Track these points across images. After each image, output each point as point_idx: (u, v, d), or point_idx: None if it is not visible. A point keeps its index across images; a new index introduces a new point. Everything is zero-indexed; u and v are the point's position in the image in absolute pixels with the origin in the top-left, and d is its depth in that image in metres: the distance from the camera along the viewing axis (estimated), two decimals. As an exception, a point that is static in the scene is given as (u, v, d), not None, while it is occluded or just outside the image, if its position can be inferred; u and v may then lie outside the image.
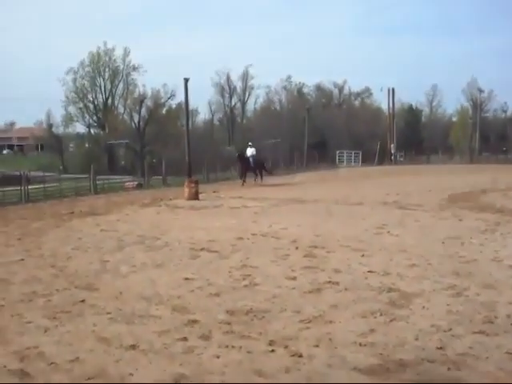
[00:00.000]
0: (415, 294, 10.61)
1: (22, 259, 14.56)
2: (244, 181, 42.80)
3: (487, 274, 12.12)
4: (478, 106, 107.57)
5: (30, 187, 36.59)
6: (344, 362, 7.40)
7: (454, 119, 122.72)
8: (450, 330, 8.61)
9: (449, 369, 7.14)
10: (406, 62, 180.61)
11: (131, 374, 7.14)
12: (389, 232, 17.62)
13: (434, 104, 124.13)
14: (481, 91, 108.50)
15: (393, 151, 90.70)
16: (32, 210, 28.71)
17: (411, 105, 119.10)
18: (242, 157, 44.40)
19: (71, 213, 25.39)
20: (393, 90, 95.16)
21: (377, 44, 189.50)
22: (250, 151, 45.37)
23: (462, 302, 10.12)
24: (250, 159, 44.54)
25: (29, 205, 32.14)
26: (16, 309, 10.10)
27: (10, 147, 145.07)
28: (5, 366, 7.48)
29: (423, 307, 9.78)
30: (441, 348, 7.85)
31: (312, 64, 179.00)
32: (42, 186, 39.61)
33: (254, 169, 44.59)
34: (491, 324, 8.94)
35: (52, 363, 7.55)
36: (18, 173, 38.12)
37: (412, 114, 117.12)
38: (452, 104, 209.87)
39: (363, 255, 14.11)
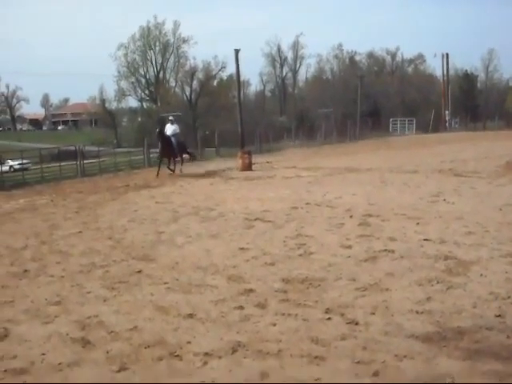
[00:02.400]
0: (472, 261, 10.49)
1: (80, 232, 14.80)
2: (159, 169, 30.91)
3: (548, 242, 11.94)
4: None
5: (85, 162, 36.96)
6: (400, 330, 7.38)
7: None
8: (509, 297, 8.49)
9: (508, 337, 7.06)
10: (461, 26, 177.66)
11: (189, 342, 7.22)
12: (444, 200, 17.44)
13: (490, 69, 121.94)
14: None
15: (447, 118, 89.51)
16: (88, 183, 29.06)
17: (466, 70, 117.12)
18: (163, 134, 31.78)
19: (126, 186, 25.65)
20: (447, 55, 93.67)
21: (430, 9, 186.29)
22: (170, 129, 32.65)
23: (520, 269, 10.00)
24: (172, 139, 31.68)
25: (85, 179, 32.50)
26: (76, 279, 10.30)
27: (65, 123, 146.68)
28: (67, 334, 7.67)
29: (481, 275, 9.67)
30: (499, 316, 7.76)
31: (363, 32, 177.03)
32: (96, 160, 39.98)
33: (176, 152, 31.88)
34: (551, 291, 8.82)
35: (112, 332, 7.69)
36: (73, 148, 38.42)
37: (467, 79, 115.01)
38: (509, 69, 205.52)
39: (418, 223, 14.01)
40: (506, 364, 6.29)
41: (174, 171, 31.01)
